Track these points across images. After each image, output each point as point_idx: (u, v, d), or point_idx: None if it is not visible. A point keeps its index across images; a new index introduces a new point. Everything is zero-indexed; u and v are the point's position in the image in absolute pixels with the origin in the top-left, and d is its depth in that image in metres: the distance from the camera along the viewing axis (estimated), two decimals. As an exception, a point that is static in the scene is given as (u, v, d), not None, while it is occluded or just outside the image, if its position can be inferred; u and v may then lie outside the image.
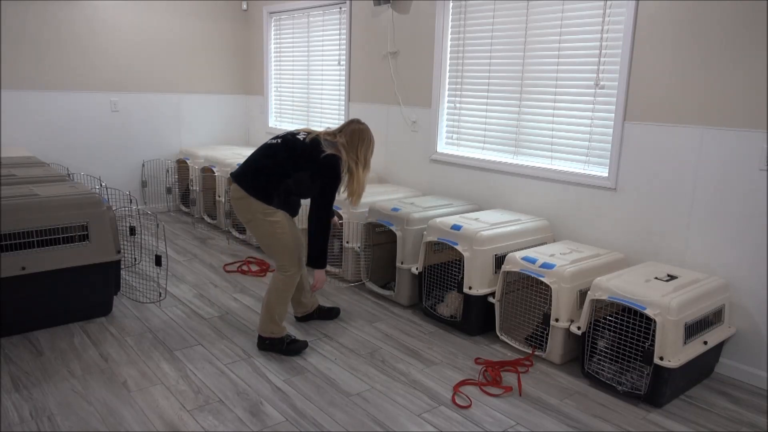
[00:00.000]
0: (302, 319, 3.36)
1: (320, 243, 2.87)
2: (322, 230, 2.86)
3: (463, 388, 2.75)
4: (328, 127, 2.97)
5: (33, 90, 5.14)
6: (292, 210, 2.97)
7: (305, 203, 3.01)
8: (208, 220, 5.54)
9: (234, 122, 6.50)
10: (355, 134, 2.87)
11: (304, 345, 3.00)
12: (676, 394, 2.73)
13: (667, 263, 3.15)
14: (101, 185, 5.52)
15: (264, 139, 6.33)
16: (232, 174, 2.88)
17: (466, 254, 3.23)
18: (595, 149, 3.45)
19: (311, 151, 2.79)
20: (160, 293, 3.77)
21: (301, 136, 2.85)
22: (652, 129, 3.15)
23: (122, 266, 4.13)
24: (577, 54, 3.46)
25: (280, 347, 2.96)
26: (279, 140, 2.85)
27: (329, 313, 3.42)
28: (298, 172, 2.80)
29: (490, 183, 4.02)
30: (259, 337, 3.00)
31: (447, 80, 4.29)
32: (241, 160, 5.07)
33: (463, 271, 3.25)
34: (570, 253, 3.15)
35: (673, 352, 2.55)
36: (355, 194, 2.90)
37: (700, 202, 3.00)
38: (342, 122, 2.98)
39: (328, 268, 4.20)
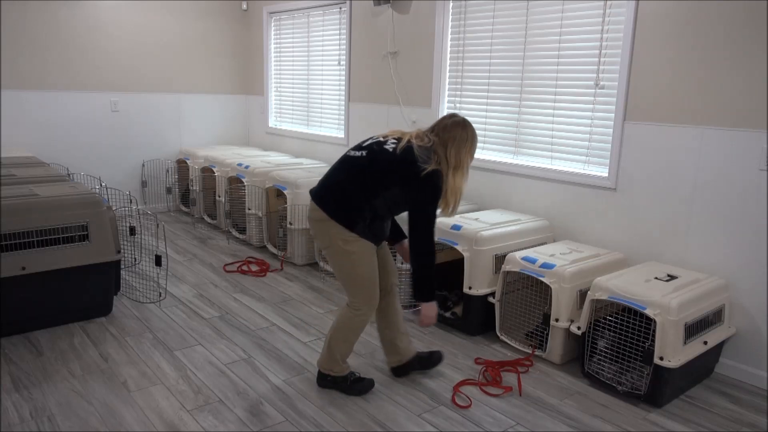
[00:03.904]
0: (399, 371, 2.77)
1: (426, 271, 2.38)
2: (427, 254, 2.37)
3: (463, 388, 2.75)
4: (419, 129, 2.45)
5: (33, 90, 5.14)
6: (376, 238, 2.47)
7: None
8: (208, 220, 5.54)
9: (234, 122, 6.50)
10: (447, 131, 2.37)
11: (370, 384, 2.65)
12: (676, 394, 2.73)
13: (667, 263, 3.15)
14: (101, 185, 5.52)
15: (264, 139, 6.34)
16: (311, 192, 2.47)
17: (466, 254, 3.23)
18: (595, 149, 3.45)
19: (405, 165, 2.31)
20: (160, 293, 3.77)
21: (389, 146, 2.35)
22: (652, 129, 3.15)
23: (122, 266, 4.13)
24: (577, 54, 3.46)
25: (343, 385, 2.63)
26: (364, 153, 2.37)
27: (430, 360, 2.83)
28: (389, 190, 2.35)
29: (490, 183, 4.02)
30: (319, 372, 2.67)
31: (447, 80, 4.29)
32: (241, 160, 5.07)
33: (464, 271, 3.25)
34: (570, 253, 3.15)
35: (673, 352, 2.55)
36: (449, 205, 2.38)
37: (699, 202, 3.00)
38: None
39: (328, 267, 4.19)
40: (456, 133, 2.38)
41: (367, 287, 2.47)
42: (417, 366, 2.82)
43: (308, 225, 2.53)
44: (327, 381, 2.66)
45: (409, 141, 2.36)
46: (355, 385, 2.63)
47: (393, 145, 2.37)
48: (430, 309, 2.48)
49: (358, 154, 2.41)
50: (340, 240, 2.39)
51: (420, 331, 3.34)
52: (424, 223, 2.36)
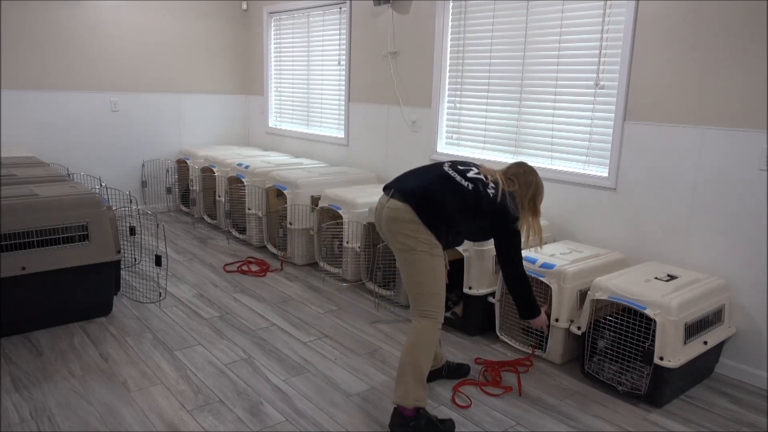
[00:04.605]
0: (429, 377, 2.65)
1: (525, 296, 2.59)
2: (524, 281, 2.57)
3: (463, 388, 2.75)
4: (501, 173, 2.57)
5: (33, 90, 5.14)
6: (447, 248, 2.56)
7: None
8: (208, 220, 5.54)
9: (234, 122, 6.50)
10: (522, 177, 2.57)
11: (452, 424, 2.43)
12: (676, 394, 2.73)
13: (667, 263, 3.15)
14: (101, 185, 5.52)
15: (264, 139, 6.33)
16: (400, 190, 2.40)
17: (466, 254, 3.23)
18: (595, 149, 3.45)
19: (502, 215, 2.45)
20: (160, 293, 3.77)
21: (491, 191, 2.44)
22: (652, 129, 3.15)
23: (122, 266, 4.13)
24: (577, 54, 3.46)
25: (432, 429, 2.33)
26: (470, 186, 2.41)
27: (458, 371, 2.86)
28: (478, 222, 2.47)
29: (490, 183, 4.02)
30: (398, 415, 2.34)
31: (447, 80, 4.29)
32: (241, 160, 5.07)
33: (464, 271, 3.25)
34: (570, 253, 3.15)
35: (673, 352, 2.55)
36: (537, 243, 2.61)
37: (700, 202, 3.00)
38: (508, 163, 2.67)
39: (328, 267, 4.20)
40: (530, 178, 2.57)
41: (442, 294, 2.44)
42: (444, 374, 2.82)
43: (384, 222, 2.42)
44: (410, 426, 2.32)
45: (503, 188, 2.47)
46: (444, 426, 2.37)
47: (493, 191, 2.45)
48: (539, 321, 2.65)
49: (464, 183, 2.42)
50: (427, 245, 2.36)
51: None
52: (514, 259, 2.53)
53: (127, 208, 5.72)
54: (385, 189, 2.48)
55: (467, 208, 2.40)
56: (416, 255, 2.36)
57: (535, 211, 2.56)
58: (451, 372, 2.83)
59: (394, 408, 2.36)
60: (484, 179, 2.47)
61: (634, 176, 3.25)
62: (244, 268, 4.33)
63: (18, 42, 5.00)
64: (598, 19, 3.33)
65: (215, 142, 6.38)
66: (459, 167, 2.50)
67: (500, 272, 2.60)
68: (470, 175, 2.47)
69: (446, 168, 2.48)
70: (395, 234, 2.39)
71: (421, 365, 2.34)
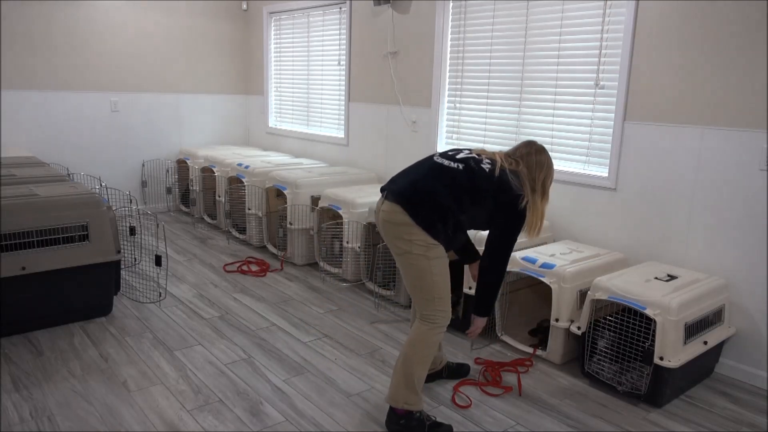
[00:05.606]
0: (428, 378, 2.73)
1: (491, 290, 2.43)
2: (497, 275, 2.42)
3: (463, 388, 2.75)
4: (501, 152, 2.45)
5: (33, 90, 5.14)
6: (450, 246, 2.44)
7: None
8: (208, 220, 5.54)
9: (234, 122, 6.50)
10: (530, 156, 2.43)
11: (449, 429, 2.38)
12: (676, 394, 2.73)
13: (667, 263, 3.15)
14: (101, 185, 5.52)
15: (264, 139, 6.33)
16: (392, 191, 2.32)
17: (466, 254, 3.23)
18: (595, 149, 3.45)
19: (501, 190, 2.30)
20: (160, 293, 3.77)
21: (486, 166, 2.31)
22: (652, 129, 3.15)
23: (122, 266, 4.13)
24: (577, 54, 3.46)
25: (420, 430, 2.33)
26: (460, 166, 2.30)
27: (459, 371, 2.83)
28: (478, 208, 2.32)
29: (490, 183, 4.01)
30: (391, 411, 2.37)
31: (447, 80, 4.29)
32: (241, 160, 5.07)
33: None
34: (570, 253, 3.15)
35: (673, 352, 2.55)
36: (534, 227, 2.40)
37: (700, 202, 3.00)
38: (515, 144, 2.52)
39: (328, 267, 4.20)
40: (540, 158, 2.42)
41: (444, 297, 2.34)
42: (444, 375, 2.81)
43: (380, 225, 2.37)
44: (400, 423, 2.34)
45: (502, 164, 2.34)
46: (434, 431, 2.35)
47: (489, 166, 2.32)
48: (482, 323, 2.50)
49: (453, 165, 2.31)
50: (423, 246, 2.26)
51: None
52: (504, 248, 2.39)
53: (127, 208, 5.72)
54: (381, 191, 2.42)
55: (462, 191, 2.27)
56: (412, 258, 2.28)
57: (544, 193, 2.41)
58: (451, 372, 2.82)
59: (390, 406, 2.37)
60: (476, 157, 2.35)
61: (634, 176, 3.25)
62: (244, 268, 4.33)
63: (18, 42, 5.00)
64: (598, 20, 3.33)
65: (215, 142, 6.38)
66: (449, 153, 2.40)
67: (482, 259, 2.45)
68: (460, 157, 2.36)
69: (436, 158, 2.38)
70: (391, 237, 2.33)
71: (414, 370, 2.30)
